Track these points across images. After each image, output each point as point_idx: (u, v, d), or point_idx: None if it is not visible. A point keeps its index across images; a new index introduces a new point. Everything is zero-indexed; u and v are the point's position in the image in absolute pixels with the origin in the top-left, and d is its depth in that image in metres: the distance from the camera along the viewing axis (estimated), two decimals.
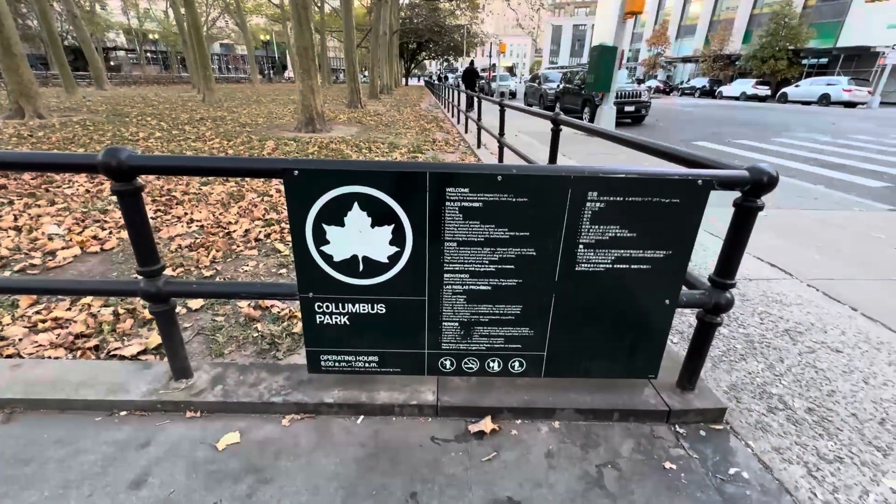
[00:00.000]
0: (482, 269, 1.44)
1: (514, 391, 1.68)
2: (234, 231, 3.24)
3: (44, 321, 2.11)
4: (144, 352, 1.92)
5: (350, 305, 1.48)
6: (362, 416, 1.61)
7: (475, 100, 8.41)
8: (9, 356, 1.88)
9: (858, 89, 22.67)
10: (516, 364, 1.60)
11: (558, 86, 15.03)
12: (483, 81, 26.92)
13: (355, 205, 1.34)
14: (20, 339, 1.97)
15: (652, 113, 14.14)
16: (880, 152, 8.59)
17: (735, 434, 1.59)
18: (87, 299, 2.29)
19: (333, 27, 36.65)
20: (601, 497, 1.33)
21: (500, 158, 5.54)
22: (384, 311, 1.49)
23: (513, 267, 1.43)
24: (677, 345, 2.12)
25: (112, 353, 1.91)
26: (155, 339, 1.95)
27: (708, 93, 33.28)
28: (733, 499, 1.34)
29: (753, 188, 1.34)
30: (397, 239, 1.39)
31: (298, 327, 2.10)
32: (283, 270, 2.68)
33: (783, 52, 29.90)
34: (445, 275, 1.44)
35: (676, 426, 1.62)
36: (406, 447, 1.49)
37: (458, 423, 1.60)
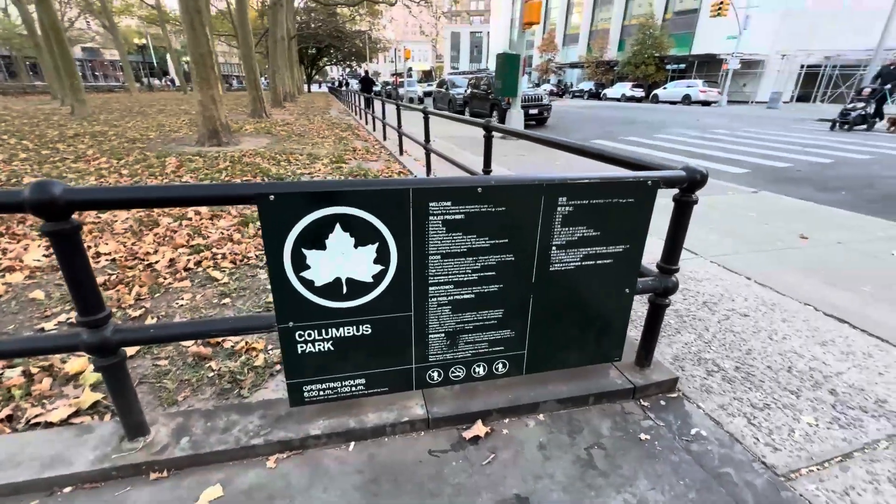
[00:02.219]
0: (465, 279, 1.48)
1: (498, 392, 1.75)
2: (157, 262, 2.88)
3: None
4: (77, 413, 1.64)
5: (334, 330, 1.43)
6: (353, 443, 1.56)
7: (371, 101, 11.82)
8: None
9: (711, 90, 26.85)
10: (500, 366, 1.67)
11: (466, 91, 15.58)
12: (390, 87, 29.42)
13: (337, 226, 1.30)
14: None
15: (551, 115, 15.28)
16: (736, 143, 10.26)
17: (687, 399, 1.82)
18: None
19: (220, 31, 33.94)
20: (596, 476, 1.45)
21: (428, 165, 5.62)
22: (370, 331, 1.46)
23: (494, 273, 1.49)
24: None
25: (32, 421, 1.61)
26: (89, 396, 1.68)
27: (595, 95, 36.87)
28: (700, 455, 1.54)
29: (689, 185, 1.56)
30: (382, 257, 1.37)
31: (260, 360, 1.95)
32: (227, 300, 2.45)
33: (651, 59, 34.26)
34: (430, 287, 1.46)
35: (641, 400, 1.81)
36: (406, 465, 1.48)
37: (451, 433, 1.62)
